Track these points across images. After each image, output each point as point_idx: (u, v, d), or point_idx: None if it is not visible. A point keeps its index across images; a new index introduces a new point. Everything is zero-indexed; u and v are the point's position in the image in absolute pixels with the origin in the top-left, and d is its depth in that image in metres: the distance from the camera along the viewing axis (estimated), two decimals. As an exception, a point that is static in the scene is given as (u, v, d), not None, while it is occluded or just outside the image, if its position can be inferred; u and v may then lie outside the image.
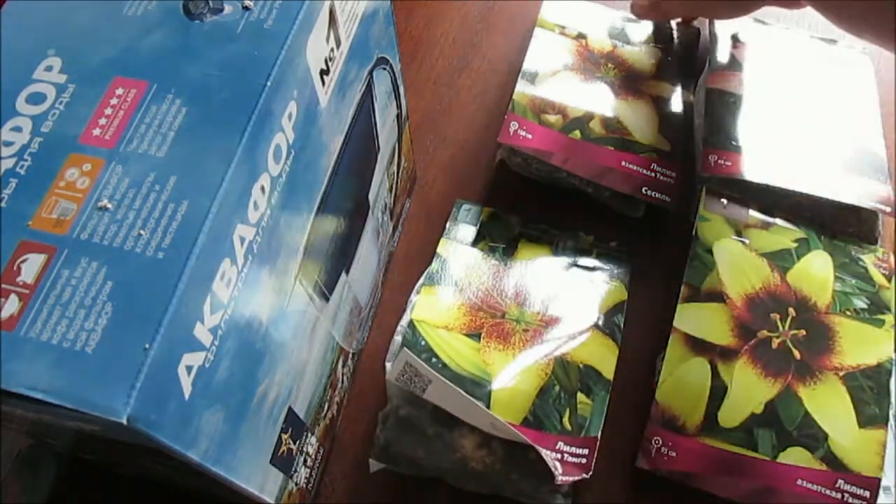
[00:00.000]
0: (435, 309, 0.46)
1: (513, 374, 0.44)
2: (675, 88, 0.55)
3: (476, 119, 0.59)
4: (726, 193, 0.50)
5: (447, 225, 0.51)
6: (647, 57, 0.57)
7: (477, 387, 0.43)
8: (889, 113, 0.55)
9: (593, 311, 0.47)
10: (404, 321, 0.47)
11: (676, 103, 0.55)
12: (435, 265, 0.48)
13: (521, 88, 0.54)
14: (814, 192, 0.48)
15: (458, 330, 0.45)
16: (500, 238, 0.50)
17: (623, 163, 0.51)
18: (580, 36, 0.57)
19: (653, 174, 0.51)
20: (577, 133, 0.52)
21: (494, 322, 0.46)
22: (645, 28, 0.59)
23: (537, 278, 0.48)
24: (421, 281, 0.48)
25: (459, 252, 0.49)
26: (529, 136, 0.52)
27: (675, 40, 0.58)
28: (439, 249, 0.49)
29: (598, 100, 0.54)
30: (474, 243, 0.50)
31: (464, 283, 0.47)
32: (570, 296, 0.47)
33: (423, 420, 0.42)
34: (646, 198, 0.50)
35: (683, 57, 0.57)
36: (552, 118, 0.53)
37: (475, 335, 0.45)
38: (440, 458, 0.42)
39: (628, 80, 0.55)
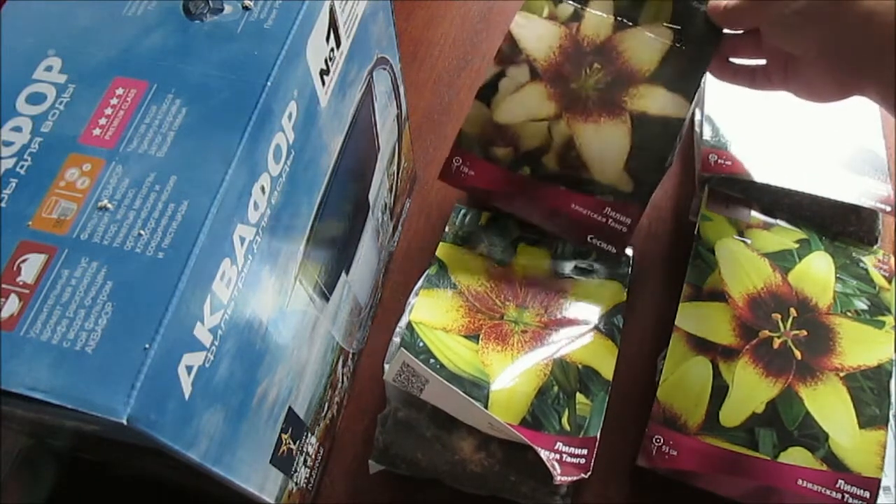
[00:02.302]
0: (433, 311, 0.46)
1: (511, 375, 0.44)
2: (669, 97, 0.46)
3: (476, 119, 0.59)
4: (728, 193, 0.50)
5: (446, 228, 0.51)
6: (653, 43, 0.47)
7: (475, 387, 0.43)
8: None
9: (592, 312, 0.47)
10: (403, 322, 0.47)
11: (661, 121, 0.46)
12: (433, 268, 0.48)
13: (475, 112, 0.49)
14: (814, 191, 0.48)
15: (457, 331, 0.45)
16: (499, 241, 0.50)
17: (573, 205, 0.47)
18: (573, 17, 0.49)
19: (604, 219, 0.47)
20: (527, 169, 0.48)
21: (493, 324, 0.46)
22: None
23: (537, 280, 0.48)
24: (419, 283, 0.48)
25: (458, 255, 0.49)
26: (472, 174, 0.48)
27: (697, 18, 0.46)
28: (438, 253, 0.49)
29: (559, 126, 0.48)
30: (473, 246, 0.49)
31: (462, 285, 0.47)
32: (569, 298, 0.47)
33: (421, 422, 0.42)
34: (591, 247, 0.47)
35: (699, 42, 0.46)
36: (501, 151, 0.48)
37: (474, 337, 0.45)
38: (439, 460, 0.42)
39: (610, 91, 0.47)
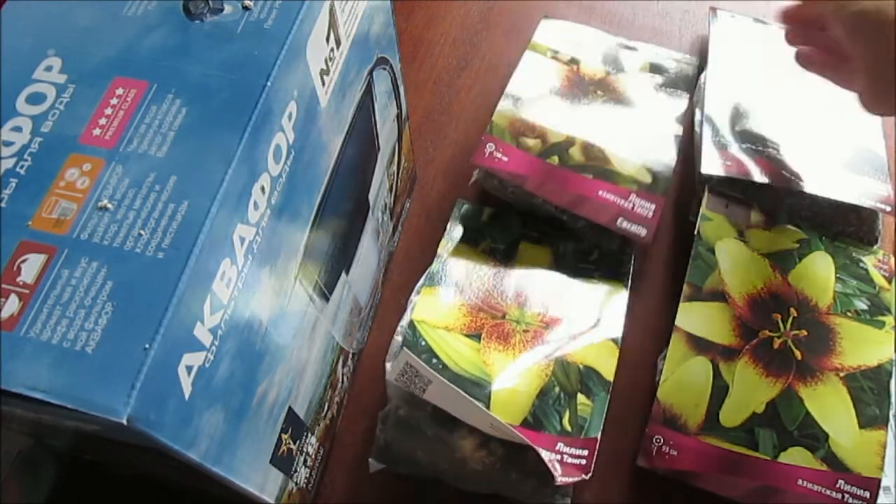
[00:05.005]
0: (435, 309, 0.46)
1: (513, 375, 0.44)
2: (666, 118, 0.54)
3: (476, 119, 0.59)
4: (728, 193, 0.50)
5: (448, 225, 0.51)
6: (641, 85, 0.56)
7: (477, 387, 0.43)
8: (889, 113, 0.55)
9: (594, 312, 0.47)
10: (404, 321, 0.46)
11: (665, 135, 0.53)
12: (435, 265, 0.48)
13: (502, 108, 0.53)
14: (814, 191, 0.48)
15: (459, 330, 0.45)
16: (502, 239, 0.50)
17: (600, 192, 0.50)
18: (572, 61, 0.57)
19: (630, 205, 0.49)
20: (556, 159, 0.51)
21: (495, 323, 0.46)
22: (641, 55, 0.58)
23: (538, 280, 0.48)
24: (421, 281, 0.48)
25: (460, 252, 0.49)
26: (505, 159, 0.51)
27: (669, 69, 0.57)
28: (440, 250, 0.49)
29: (581, 125, 0.53)
30: (475, 244, 0.50)
31: (464, 283, 0.47)
32: (571, 297, 0.47)
33: (422, 421, 0.42)
34: (620, 230, 0.48)
35: (679, 84, 0.56)
36: (531, 142, 0.51)
37: (475, 336, 0.45)
38: (440, 459, 0.42)
39: (618, 106, 0.54)
